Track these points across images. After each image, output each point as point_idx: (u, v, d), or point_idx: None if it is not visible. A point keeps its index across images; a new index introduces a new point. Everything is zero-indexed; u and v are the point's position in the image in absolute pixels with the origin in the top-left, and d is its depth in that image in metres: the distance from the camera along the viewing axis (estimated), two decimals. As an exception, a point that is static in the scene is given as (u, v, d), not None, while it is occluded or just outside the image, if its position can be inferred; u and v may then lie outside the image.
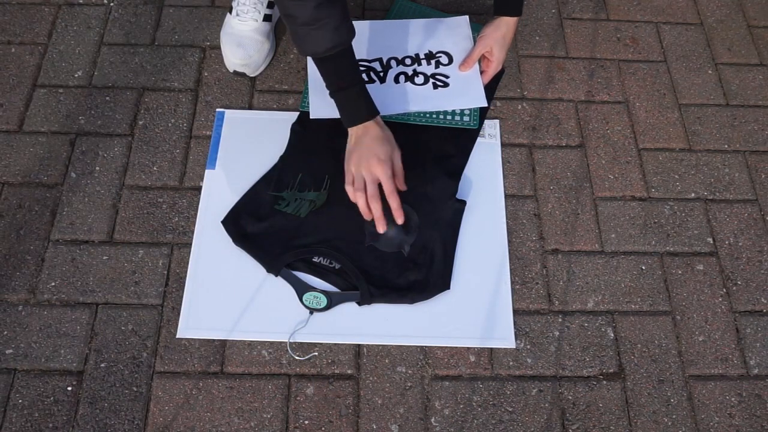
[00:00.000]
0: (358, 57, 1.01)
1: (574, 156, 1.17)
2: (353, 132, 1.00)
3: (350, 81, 0.98)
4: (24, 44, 1.24)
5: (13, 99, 1.17)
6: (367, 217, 1.00)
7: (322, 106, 1.10)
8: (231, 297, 1.00)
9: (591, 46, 1.31)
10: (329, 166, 1.09)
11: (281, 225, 1.05)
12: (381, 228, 0.99)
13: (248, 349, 0.97)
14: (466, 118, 1.15)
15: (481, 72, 1.19)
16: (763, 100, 1.26)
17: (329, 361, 0.96)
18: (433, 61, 1.20)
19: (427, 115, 1.15)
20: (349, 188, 0.99)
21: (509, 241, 1.08)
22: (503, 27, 1.14)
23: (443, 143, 1.14)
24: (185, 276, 1.02)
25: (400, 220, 0.99)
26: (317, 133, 1.13)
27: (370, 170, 0.97)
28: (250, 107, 1.19)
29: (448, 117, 1.15)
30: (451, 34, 1.24)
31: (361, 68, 1.18)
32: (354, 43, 0.96)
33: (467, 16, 1.27)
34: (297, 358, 0.96)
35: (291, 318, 0.99)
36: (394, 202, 0.98)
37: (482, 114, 1.18)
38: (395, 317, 1.00)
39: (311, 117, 1.11)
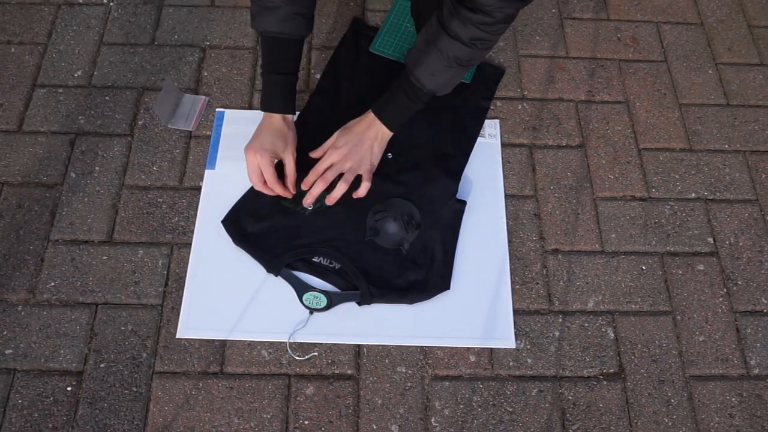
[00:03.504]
0: None
1: (575, 156, 1.17)
2: (263, 117, 1.02)
3: (280, 70, 1.00)
4: (24, 44, 1.24)
5: (13, 99, 1.17)
6: (281, 192, 1.03)
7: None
8: (231, 297, 1.00)
9: (591, 46, 1.31)
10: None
11: (281, 225, 1.05)
12: (279, 191, 1.02)
13: (248, 349, 0.97)
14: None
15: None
16: (763, 100, 1.26)
17: (329, 361, 0.96)
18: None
19: None
20: (253, 179, 1.02)
21: (509, 241, 1.08)
22: (365, 119, 1.02)
23: (443, 143, 1.14)
24: (185, 276, 1.01)
25: (279, 191, 1.02)
26: (318, 132, 1.13)
27: (250, 157, 1.00)
28: (250, 107, 1.19)
29: None
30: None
31: None
32: None
33: None
34: (297, 358, 0.96)
35: (291, 318, 0.99)
36: (276, 189, 1.02)
37: (480, 72, 1.22)
38: (395, 317, 1.00)
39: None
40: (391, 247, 1.03)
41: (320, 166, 1.03)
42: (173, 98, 1.15)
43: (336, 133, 1.05)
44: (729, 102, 1.25)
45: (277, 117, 1.01)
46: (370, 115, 1.02)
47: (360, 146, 1.02)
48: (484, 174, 1.14)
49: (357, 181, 1.04)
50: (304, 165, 1.10)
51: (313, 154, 1.06)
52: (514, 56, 1.28)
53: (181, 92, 1.18)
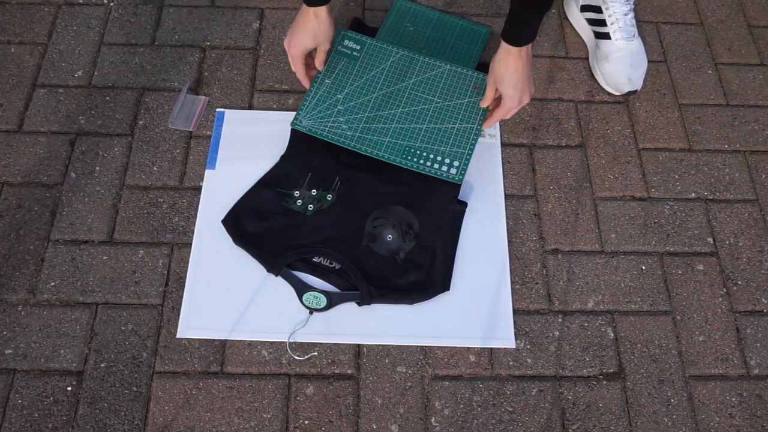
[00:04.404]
0: None
1: (574, 156, 1.17)
2: (300, 11, 1.07)
3: None
4: (24, 44, 1.24)
5: (13, 99, 1.17)
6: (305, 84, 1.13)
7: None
8: (231, 297, 1.00)
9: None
10: (332, 166, 1.10)
11: (282, 225, 1.05)
12: (305, 84, 1.14)
13: (248, 349, 0.97)
14: (452, 171, 1.08)
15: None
16: (763, 100, 1.26)
17: (329, 361, 0.96)
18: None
19: (410, 159, 1.09)
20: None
21: (509, 241, 1.08)
22: (506, 57, 1.02)
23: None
24: (185, 276, 1.01)
25: (305, 84, 1.14)
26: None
27: (289, 52, 1.09)
28: (250, 107, 1.19)
29: (435, 165, 1.08)
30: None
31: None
32: None
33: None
34: (297, 358, 0.96)
35: (291, 318, 0.99)
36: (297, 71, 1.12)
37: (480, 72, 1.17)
38: (395, 317, 1.00)
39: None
40: (387, 255, 1.03)
41: (507, 116, 1.09)
42: (181, 102, 1.16)
43: (492, 84, 1.07)
44: (729, 102, 1.25)
45: (309, 13, 1.04)
46: (512, 50, 1.00)
47: (525, 81, 1.03)
48: (484, 174, 1.14)
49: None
50: (310, 165, 1.10)
51: (483, 104, 1.12)
52: (514, 56, 1.28)
53: (186, 95, 1.18)
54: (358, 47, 1.18)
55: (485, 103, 1.11)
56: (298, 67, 1.10)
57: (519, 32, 0.99)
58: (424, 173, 1.08)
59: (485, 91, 1.10)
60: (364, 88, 1.14)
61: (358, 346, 0.98)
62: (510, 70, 1.02)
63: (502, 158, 1.16)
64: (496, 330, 1.00)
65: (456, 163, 1.08)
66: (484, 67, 1.24)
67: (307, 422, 0.92)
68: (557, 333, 1.00)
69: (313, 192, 1.08)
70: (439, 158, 1.09)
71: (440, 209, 1.07)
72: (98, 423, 0.91)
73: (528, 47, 1.01)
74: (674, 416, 0.95)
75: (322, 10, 1.04)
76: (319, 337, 0.98)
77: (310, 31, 1.06)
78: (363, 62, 1.17)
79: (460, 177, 1.07)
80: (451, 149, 1.09)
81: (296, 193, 1.07)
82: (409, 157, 1.08)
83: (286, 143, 1.13)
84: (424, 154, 1.09)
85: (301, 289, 1.00)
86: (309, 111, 1.12)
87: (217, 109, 1.18)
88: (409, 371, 0.96)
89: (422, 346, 0.98)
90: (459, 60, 1.24)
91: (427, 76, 1.16)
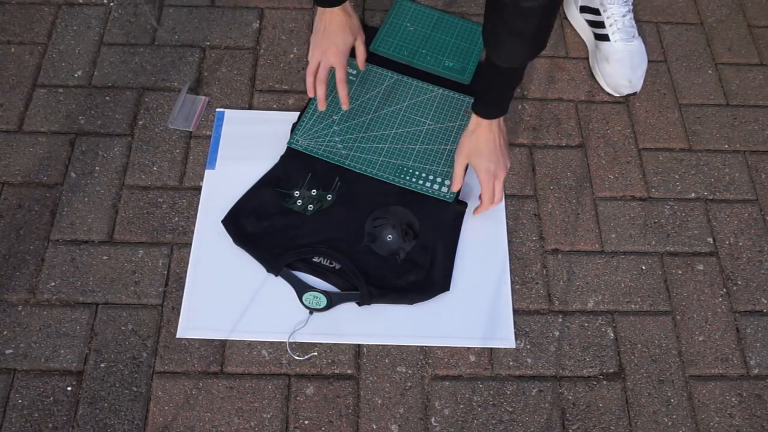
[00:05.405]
0: None
1: (575, 156, 1.17)
2: (322, 15, 1.06)
3: None
4: (24, 44, 1.24)
5: (13, 99, 1.17)
6: (310, 94, 1.09)
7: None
8: (231, 297, 1.00)
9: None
10: (332, 166, 1.10)
11: (282, 225, 1.05)
12: (322, 106, 1.10)
13: (248, 349, 0.97)
14: (444, 189, 1.08)
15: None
16: (763, 100, 1.26)
17: (329, 361, 0.96)
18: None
19: (402, 177, 1.09)
20: (308, 70, 1.08)
21: (509, 241, 1.08)
22: (477, 129, 0.99)
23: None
24: (185, 276, 1.01)
25: (345, 106, 1.10)
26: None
27: (326, 57, 1.06)
28: (250, 107, 1.19)
29: (427, 184, 1.09)
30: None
31: None
32: None
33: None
34: (297, 358, 0.96)
35: (291, 318, 0.99)
36: (342, 90, 1.08)
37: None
38: (395, 317, 1.00)
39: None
40: (387, 255, 1.03)
41: (495, 197, 1.03)
42: (181, 102, 1.16)
43: (460, 161, 1.02)
44: (729, 102, 1.25)
45: (336, 10, 1.04)
46: (482, 122, 0.97)
47: (499, 152, 1.00)
48: (484, 174, 1.14)
49: None
50: (310, 165, 1.10)
51: (454, 188, 1.06)
52: (514, 56, 1.28)
53: (186, 95, 1.18)
54: (355, 71, 1.20)
55: (456, 185, 1.05)
56: (341, 75, 1.06)
57: (490, 105, 0.97)
58: (416, 191, 1.08)
59: (454, 171, 1.04)
60: (360, 110, 1.16)
61: (358, 346, 0.98)
62: (482, 141, 0.99)
63: (502, 158, 1.16)
64: (496, 330, 1.00)
65: (447, 182, 1.09)
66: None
67: (307, 422, 0.92)
68: (557, 333, 1.01)
69: (313, 192, 1.08)
70: (431, 177, 1.10)
71: (440, 209, 1.07)
72: (98, 423, 0.91)
73: (500, 120, 0.99)
74: (674, 416, 0.95)
75: (347, 5, 1.05)
76: (319, 337, 0.98)
77: (346, 27, 1.06)
78: (359, 85, 1.18)
79: (451, 195, 1.08)
80: (443, 169, 1.11)
81: (296, 193, 1.07)
82: (402, 176, 1.09)
83: (287, 143, 1.13)
84: (416, 173, 1.10)
85: (301, 289, 1.00)
86: (306, 130, 1.13)
87: (217, 109, 1.18)
88: (409, 371, 0.96)
89: (422, 346, 0.98)
90: (459, 60, 1.25)
91: (420, 99, 1.18)
